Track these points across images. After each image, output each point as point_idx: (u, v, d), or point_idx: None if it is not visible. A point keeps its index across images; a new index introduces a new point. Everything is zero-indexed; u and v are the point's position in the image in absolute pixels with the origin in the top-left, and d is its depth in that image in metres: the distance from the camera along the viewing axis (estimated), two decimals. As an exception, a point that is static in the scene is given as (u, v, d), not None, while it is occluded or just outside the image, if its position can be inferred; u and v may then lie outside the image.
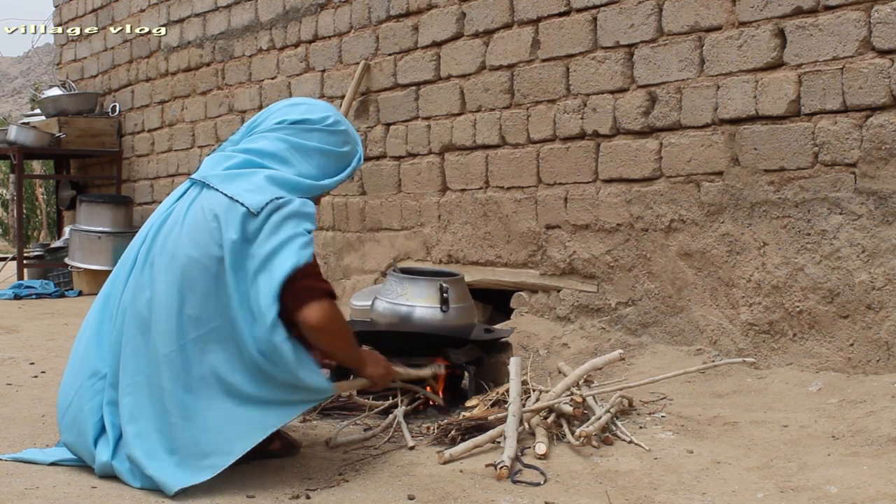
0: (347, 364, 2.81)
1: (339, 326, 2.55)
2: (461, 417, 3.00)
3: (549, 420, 2.89)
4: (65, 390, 2.60)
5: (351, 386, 2.87)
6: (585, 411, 2.96)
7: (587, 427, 2.78)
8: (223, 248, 2.44)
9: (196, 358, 2.43)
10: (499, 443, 2.73)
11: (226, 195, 2.49)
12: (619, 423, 2.93)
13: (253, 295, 2.42)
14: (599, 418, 2.86)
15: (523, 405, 2.90)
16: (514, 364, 3.07)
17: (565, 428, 2.85)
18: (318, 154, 2.63)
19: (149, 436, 2.42)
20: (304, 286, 2.43)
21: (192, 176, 2.66)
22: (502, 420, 2.82)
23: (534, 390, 3.12)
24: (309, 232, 2.48)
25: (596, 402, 3.06)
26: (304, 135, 2.63)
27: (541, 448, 2.68)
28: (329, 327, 2.47)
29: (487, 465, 2.55)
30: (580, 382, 3.14)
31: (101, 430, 2.52)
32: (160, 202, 8.91)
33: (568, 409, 2.89)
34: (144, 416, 2.43)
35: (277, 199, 2.47)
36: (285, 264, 2.40)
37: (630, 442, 2.79)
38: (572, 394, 2.96)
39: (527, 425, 2.87)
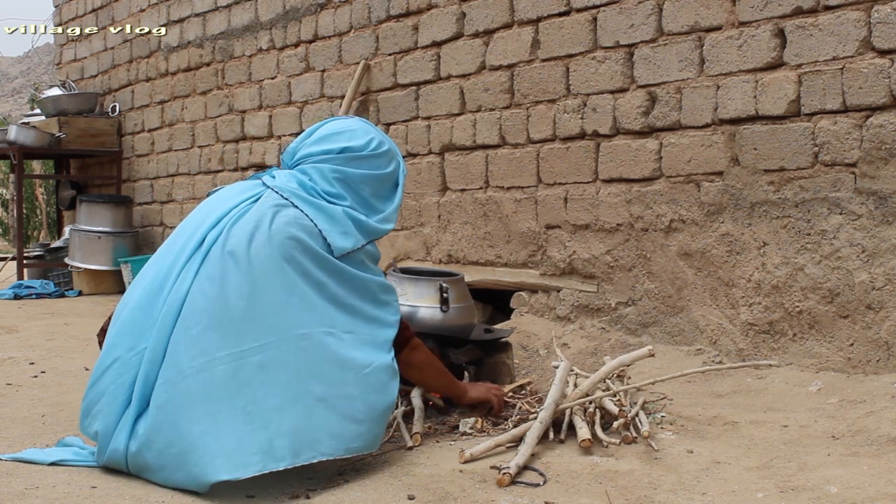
0: (449, 392, 3.09)
1: (437, 363, 3.00)
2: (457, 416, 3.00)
3: (590, 410, 2.88)
4: (100, 363, 2.59)
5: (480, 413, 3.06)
6: (623, 408, 2.91)
7: (618, 425, 2.77)
8: (305, 274, 2.58)
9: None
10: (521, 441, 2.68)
11: (314, 222, 2.65)
12: (642, 420, 2.87)
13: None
14: (636, 415, 2.87)
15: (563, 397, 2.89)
16: (561, 369, 3.05)
17: (597, 426, 2.80)
18: (370, 180, 2.80)
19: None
20: (406, 336, 2.83)
21: (267, 183, 2.75)
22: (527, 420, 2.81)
23: (576, 375, 3.17)
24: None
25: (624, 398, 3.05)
26: (353, 163, 2.77)
27: (584, 433, 2.70)
28: (432, 365, 2.97)
29: (492, 467, 2.54)
30: (612, 377, 3.12)
31: (128, 406, 2.51)
32: (160, 202, 8.78)
33: (612, 406, 2.86)
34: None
35: (358, 249, 2.73)
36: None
37: (646, 438, 2.75)
38: (608, 388, 2.97)
39: (568, 411, 2.88)
